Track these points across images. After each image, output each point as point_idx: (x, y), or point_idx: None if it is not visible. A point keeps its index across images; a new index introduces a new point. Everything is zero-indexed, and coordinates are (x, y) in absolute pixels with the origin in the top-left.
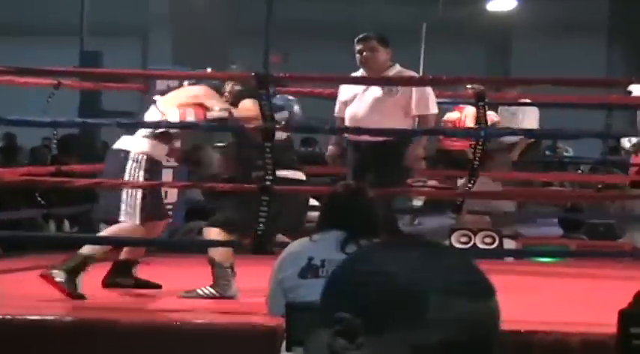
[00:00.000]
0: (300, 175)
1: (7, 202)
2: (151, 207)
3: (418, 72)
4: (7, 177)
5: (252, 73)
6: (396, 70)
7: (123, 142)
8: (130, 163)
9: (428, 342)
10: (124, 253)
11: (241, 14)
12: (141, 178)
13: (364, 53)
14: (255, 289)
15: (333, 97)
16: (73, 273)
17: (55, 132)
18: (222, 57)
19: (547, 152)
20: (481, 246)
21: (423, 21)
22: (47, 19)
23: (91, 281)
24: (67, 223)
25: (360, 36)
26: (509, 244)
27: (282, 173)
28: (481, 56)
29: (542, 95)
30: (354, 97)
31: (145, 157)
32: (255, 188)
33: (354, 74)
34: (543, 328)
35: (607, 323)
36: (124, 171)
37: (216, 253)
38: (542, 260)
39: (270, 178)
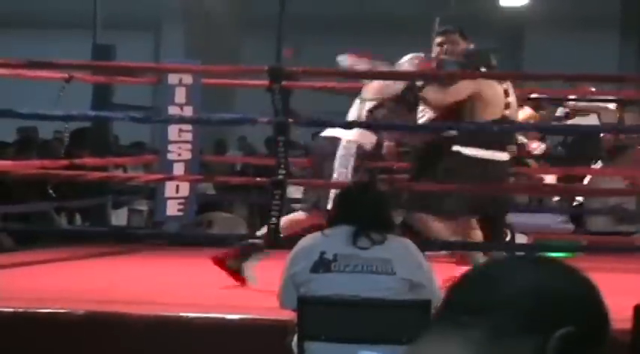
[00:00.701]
0: (500, 156)
1: (19, 196)
2: None
3: None
4: (21, 170)
5: (266, 67)
6: None
7: (332, 131)
8: (341, 150)
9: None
10: None
11: (253, 7)
12: (351, 166)
13: (445, 46)
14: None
15: (346, 92)
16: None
17: (66, 125)
18: (234, 50)
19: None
20: None
21: (435, 15)
22: (59, 12)
23: (103, 273)
24: (78, 217)
25: (442, 29)
26: (520, 238)
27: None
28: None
29: (556, 90)
30: None
31: (354, 145)
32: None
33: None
34: None
35: (620, 318)
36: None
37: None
38: (553, 255)
39: (284, 172)
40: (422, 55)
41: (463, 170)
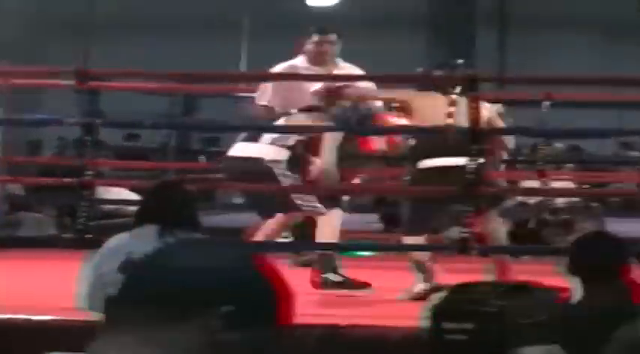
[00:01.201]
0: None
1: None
2: None
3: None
4: None
5: (72, 69)
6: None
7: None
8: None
9: None
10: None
11: (62, 7)
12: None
13: (323, 46)
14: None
15: (154, 93)
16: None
17: None
18: (41, 53)
19: None
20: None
21: (244, 15)
22: None
23: None
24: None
25: (318, 28)
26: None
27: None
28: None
29: None
30: None
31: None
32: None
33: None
34: (362, 323)
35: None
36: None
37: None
38: (361, 254)
39: (91, 172)
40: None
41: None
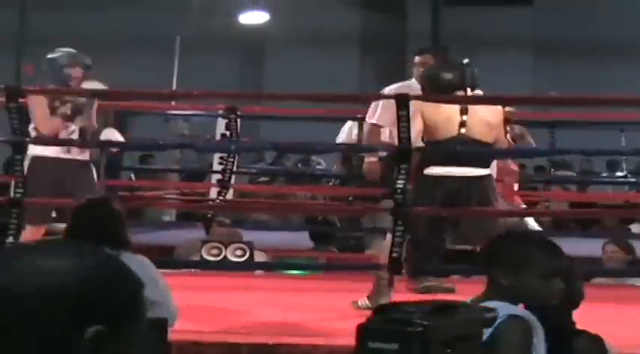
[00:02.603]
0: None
1: None
2: None
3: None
4: None
5: (2, 86)
6: None
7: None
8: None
9: None
10: None
11: None
12: None
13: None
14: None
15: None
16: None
17: None
18: None
19: (299, 164)
20: (232, 258)
21: (176, 33)
22: None
23: None
24: None
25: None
26: (260, 256)
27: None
28: (235, 68)
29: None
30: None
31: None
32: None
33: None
34: (290, 341)
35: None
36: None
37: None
38: (292, 272)
39: (21, 191)
40: None
41: (422, 189)
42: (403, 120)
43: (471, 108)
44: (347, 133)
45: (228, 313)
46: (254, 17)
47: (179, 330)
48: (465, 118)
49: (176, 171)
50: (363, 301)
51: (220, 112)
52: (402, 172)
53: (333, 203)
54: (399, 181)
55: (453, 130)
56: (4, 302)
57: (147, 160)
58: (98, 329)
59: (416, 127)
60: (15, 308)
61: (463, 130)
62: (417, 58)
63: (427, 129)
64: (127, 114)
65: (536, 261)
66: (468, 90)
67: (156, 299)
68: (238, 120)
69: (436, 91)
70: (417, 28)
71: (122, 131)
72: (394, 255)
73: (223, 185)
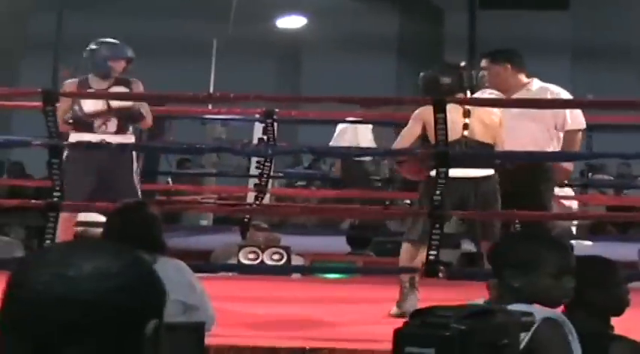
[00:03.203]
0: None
1: None
2: None
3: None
4: None
5: (39, 89)
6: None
7: None
8: None
9: None
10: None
11: (30, 27)
12: None
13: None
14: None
15: None
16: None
17: None
18: (11, 71)
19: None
20: (269, 263)
21: (213, 37)
22: None
23: None
24: None
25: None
26: (297, 260)
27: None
28: (272, 73)
29: (332, 112)
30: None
31: None
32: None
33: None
34: (327, 346)
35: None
36: None
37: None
38: (329, 277)
39: (59, 194)
40: None
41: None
42: (440, 122)
43: (472, 110)
44: (340, 136)
45: (265, 317)
46: (291, 22)
47: (216, 334)
48: (467, 120)
49: (213, 175)
50: (395, 309)
51: (257, 116)
52: (441, 175)
53: (370, 207)
54: (438, 185)
55: (457, 133)
56: (64, 311)
57: (184, 164)
58: (155, 323)
59: (412, 132)
60: (76, 315)
61: (466, 133)
62: (484, 62)
63: (432, 133)
64: (164, 118)
65: (546, 260)
66: (468, 93)
67: (193, 303)
68: (275, 124)
69: (436, 95)
70: (454, 32)
71: (160, 135)
72: (430, 258)
73: (260, 189)
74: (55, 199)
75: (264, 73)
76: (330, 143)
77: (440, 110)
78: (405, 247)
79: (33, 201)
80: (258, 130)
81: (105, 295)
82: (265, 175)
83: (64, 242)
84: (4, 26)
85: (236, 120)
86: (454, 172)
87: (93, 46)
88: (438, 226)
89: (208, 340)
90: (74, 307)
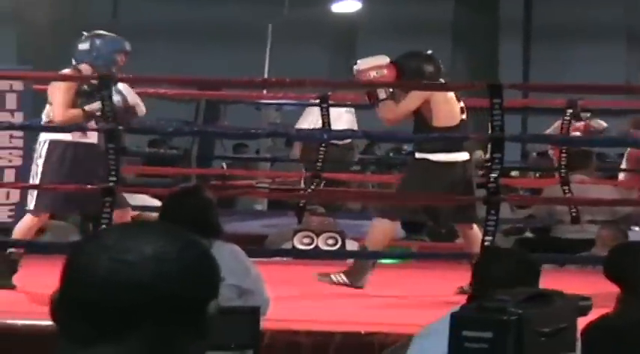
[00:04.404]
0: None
1: None
2: None
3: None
4: None
5: (96, 73)
6: None
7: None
8: None
9: None
10: None
11: (88, 13)
12: None
13: None
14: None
15: (179, 99)
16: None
17: None
18: (66, 57)
19: (391, 154)
20: (324, 247)
21: (268, 22)
22: None
23: None
24: None
25: None
26: (351, 245)
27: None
28: (326, 58)
29: None
30: None
31: None
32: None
33: None
34: (382, 330)
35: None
36: None
37: (371, 242)
38: (384, 261)
39: (114, 179)
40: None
41: (430, 176)
42: (496, 108)
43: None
44: (306, 119)
45: (321, 302)
46: (346, 6)
47: (271, 318)
48: (462, 104)
49: (267, 160)
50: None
51: (312, 100)
52: (496, 161)
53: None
54: (492, 171)
55: (458, 117)
56: (125, 296)
57: (240, 149)
58: (216, 303)
59: (409, 106)
60: (137, 300)
61: (464, 116)
62: None
63: (436, 115)
64: (219, 103)
65: None
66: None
67: (248, 287)
68: (330, 109)
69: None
70: (509, 18)
71: (215, 120)
72: (486, 243)
73: (314, 174)
74: (111, 183)
75: (318, 58)
76: (296, 125)
77: (497, 95)
78: (381, 225)
79: (89, 186)
80: (307, 115)
81: (165, 279)
82: (320, 160)
83: (118, 225)
84: (60, 11)
85: (291, 105)
86: (453, 156)
87: (100, 39)
88: (493, 211)
89: (264, 324)
90: (135, 292)
